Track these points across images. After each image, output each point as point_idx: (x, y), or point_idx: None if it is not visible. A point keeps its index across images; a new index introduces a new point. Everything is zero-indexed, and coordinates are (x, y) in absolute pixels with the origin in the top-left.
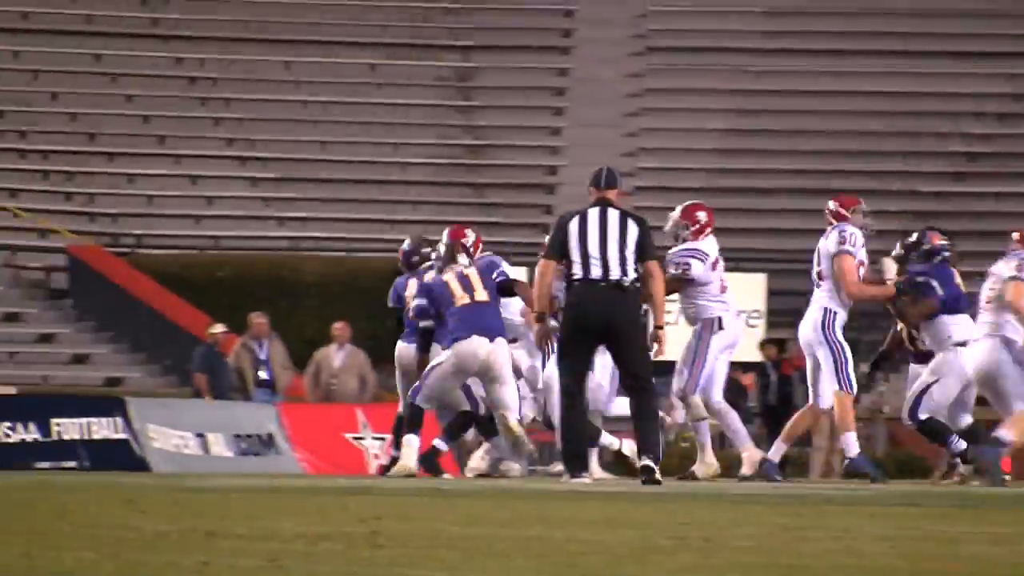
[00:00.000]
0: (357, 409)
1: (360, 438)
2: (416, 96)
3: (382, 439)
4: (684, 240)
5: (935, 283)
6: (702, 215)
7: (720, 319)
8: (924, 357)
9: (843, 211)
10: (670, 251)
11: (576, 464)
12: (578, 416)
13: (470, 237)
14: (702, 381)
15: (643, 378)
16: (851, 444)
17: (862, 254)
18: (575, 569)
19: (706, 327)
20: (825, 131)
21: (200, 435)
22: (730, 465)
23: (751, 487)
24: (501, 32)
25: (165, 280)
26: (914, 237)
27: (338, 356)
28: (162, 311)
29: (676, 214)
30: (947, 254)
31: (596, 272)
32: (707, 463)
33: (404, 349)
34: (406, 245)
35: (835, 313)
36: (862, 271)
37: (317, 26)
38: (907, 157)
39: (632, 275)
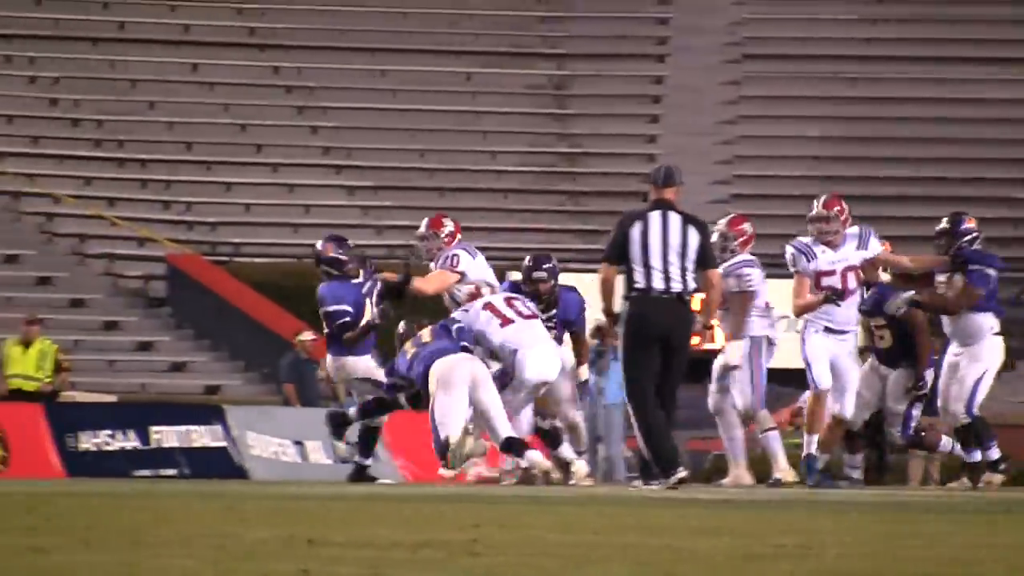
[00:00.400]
0: None
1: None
2: (512, 104)
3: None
4: (732, 252)
5: (991, 272)
6: (748, 227)
7: (768, 336)
8: (889, 357)
9: None
10: (722, 265)
11: (660, 468)
12: (656, 421)
13: (447, 227)
14: (763, 393)
15: (675, 395)
16: (811, 443)
17: (822, 260)
18: None
19: (755, 345)
20: (921, 138)
21: (298, 443)
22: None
23: (848, 494)
24: (596, 40)
25: (263, 288)
26: (945, 223)
27: None
28: (260, 319)
29: (723, 226)
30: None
31: (658, 284)
32: (784, 469)
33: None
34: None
35: (808, 321)
36: (831, 279)
37: (413, 35)
38: (1005, 164)
39: (692, 285)
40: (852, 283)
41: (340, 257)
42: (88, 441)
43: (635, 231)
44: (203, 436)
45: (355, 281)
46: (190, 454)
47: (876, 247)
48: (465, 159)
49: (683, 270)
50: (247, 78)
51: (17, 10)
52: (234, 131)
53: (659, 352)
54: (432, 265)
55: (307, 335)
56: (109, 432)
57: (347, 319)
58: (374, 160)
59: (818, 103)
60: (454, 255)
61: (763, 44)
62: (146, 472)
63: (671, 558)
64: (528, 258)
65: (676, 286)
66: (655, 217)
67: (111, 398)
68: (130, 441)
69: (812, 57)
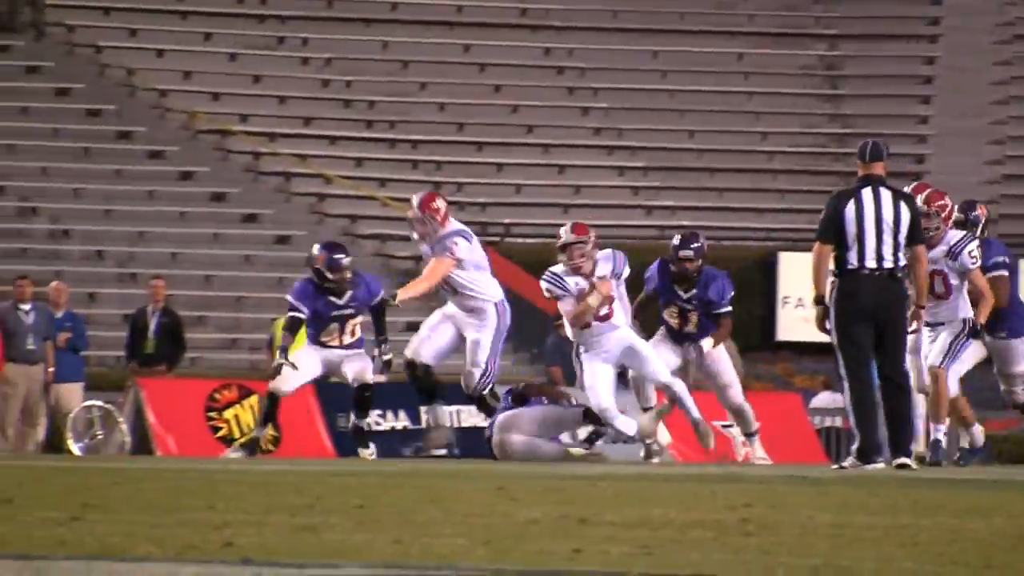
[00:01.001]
0: None
1: (728, 425)
2: (783, 85)
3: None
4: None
5: None
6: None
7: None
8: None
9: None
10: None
11: (872, 449)
12: (870, 400)
13: (441, 206)
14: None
15: (903, 373)
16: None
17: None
18: (946, 557)
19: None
20: None
21: None
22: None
23: None
24: (868, 21)
25: (533, 269)
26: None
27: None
28: (531, 300)
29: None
30: None
31: (870, 263)
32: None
33: None
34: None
35: None
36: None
37: (684, 16)
38: None
39: (903, 261)
40: (939, 287)
41: (326, 273)
42: None
43: (850, 211)
44: (473, 416)
45: (334, 300)
46: (461, 434)
47: (967, 262)
48: (735, 140)
49: (895, 247)
50: (519, 59)
51: None
52: (505, 112)
53: (874, 331)
54: (424, 248)
55: None
56: (379, 412)
57: (299, 315)
58: (644, 141)
59: None
60: (453, 242)
61: None
62: None
63: (943, 538)
64: (677, 236)
65: (887, 263)
66: (867, 194)
67: (381, 378)
68: (400, 421)
69: None
